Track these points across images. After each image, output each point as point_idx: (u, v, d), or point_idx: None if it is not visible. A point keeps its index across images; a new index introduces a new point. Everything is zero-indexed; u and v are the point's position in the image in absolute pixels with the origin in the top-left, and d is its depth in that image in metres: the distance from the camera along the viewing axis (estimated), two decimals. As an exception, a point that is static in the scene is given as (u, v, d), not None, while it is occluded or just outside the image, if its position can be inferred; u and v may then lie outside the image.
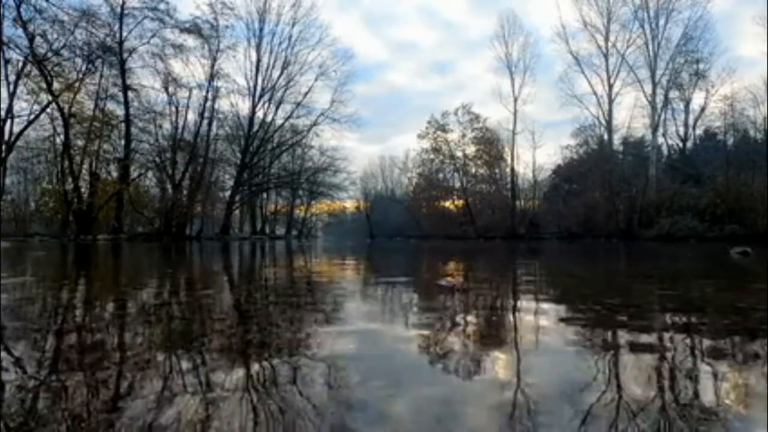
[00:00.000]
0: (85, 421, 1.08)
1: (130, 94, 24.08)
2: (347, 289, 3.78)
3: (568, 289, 4.00)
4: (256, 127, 32.86)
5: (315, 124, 34.52)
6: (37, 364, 1.53)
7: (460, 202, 38.92)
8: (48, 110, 21.66)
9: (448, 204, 40.79)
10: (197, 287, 3.91)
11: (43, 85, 20.72)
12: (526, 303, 3.06)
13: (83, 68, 22.13)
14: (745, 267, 6.34)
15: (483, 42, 66.14)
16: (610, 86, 32.58)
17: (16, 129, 21.48)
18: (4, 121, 20.47)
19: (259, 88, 32.58)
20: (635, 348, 1.79)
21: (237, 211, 37.44)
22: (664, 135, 32.51)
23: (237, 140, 33.27)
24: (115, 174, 25.28)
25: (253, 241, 26.70)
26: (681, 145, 32.97)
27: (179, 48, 25.04)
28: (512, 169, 35.90)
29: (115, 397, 1.24)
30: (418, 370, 1.54)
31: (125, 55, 23.59)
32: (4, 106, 20.28)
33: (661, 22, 30.70)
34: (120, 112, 24.49)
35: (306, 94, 33.63)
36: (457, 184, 39.11)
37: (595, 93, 33.15)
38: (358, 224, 55.01)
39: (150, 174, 28.21)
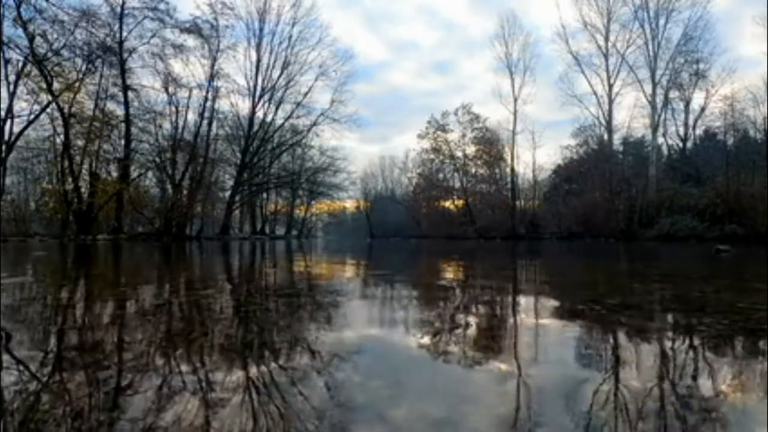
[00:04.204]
0: (85, 422, 1.08)
1: (130, 94, 24.10)
2: (348, 289, 3.78)
3: (568, 289, 4.00)
4: (256, 127, 32.89)
5: (315, 124, 34.63)
6: (38, 365, 1.53)
7: (460, 202, 38.96)
8: (48, 110, 21.66)
9: (448, 204, 40.86)
10: (197, 287, 3.91)
11: (43, 85, 20.71)
12: (526, 303, 3.06)
13: (83, 68, 22.13)
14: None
15: (483, 42, 66.30)
16: (610, 86, 32.66)
17: (16, 129, 21.51)
18: (4, 121, 20.47)
19: (259, 88, 32.66)
20: (635, 347, 1.79)
21: (237, 211, 37.46)
22: (664, 135, 32.58)
23: (237, 140, 33.30)
24: (115, 174, 25.27)
25: (253, 241, 26.70)
26: (681, 145, 33.01)
27: (179, 48, 25.06)
28: (512, 169, 35.98)
29: (115, 398, 1.24)
30: (418, 370, 1.54)
31: (125, 55, 23.59)
32: (4, 106, 20.30)
33: (661, 22, 30.78)
34: (120, 112, 24.51)
35: (306, 94, 33.74)
36: (457, 184, 39.20)
37: (595, 93, 33.24)
38: (359, 224, 55.09)
39: (150, 174, 28.25)
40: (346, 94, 34.51)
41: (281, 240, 31.13)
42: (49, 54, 20.53)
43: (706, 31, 30.01)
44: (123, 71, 23.55)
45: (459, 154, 38.43)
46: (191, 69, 33.67)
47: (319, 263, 7.34)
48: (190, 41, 25.57)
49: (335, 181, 39.37)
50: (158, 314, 2.49)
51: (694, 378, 1.43)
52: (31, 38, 19.81)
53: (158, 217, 26.14)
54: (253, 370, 1.49)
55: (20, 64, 20.37)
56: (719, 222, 23.05)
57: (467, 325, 2.25)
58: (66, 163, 22.24)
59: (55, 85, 21.04)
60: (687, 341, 1.92)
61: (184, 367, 1.51)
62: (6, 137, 20.82)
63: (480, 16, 65.52)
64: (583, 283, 4.69)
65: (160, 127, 26.18)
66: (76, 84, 21.73)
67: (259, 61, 32.40)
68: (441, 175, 40.14)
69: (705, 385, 1.37)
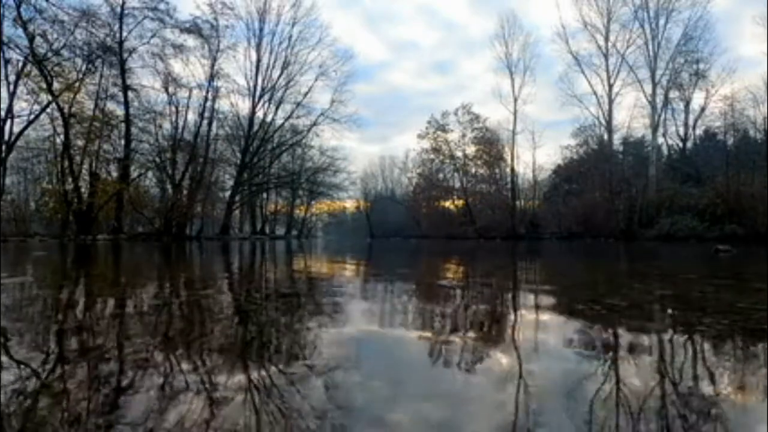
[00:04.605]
0: (84, 422, 1.08)
1: (130, 94, 24.09)
2: (347, 289, 3.78)
3: (569, 289, 3.99)
4: (256, 127, 32.89)
5: (315, 124, 34.64)
6: (37, 365, 1.53)
7: (460, 202, 38.96)
8: (48, 110, 21.65)
9: (448, 204, 40.86)
10: (197, 287, 3.91)
11: (43, 85, 20.70)
12: (526, 303, 3.06)
13: (83, 68, 22.12)
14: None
15: (483, 42, 66.35)
16: (610, 86, 32.67)
17: (16, 129, 21.50)
18: (4, 121, 20.46)
19: (259, 88, 32.66)
20: (636, 348, 1.79)
21: (237, 211, 37.46)
22: (664, 135, 32.59)
23: (237, 140, 33.30)
24: (115, 174, 25.27)
25: (253, 241, 26.69)
26: (681, 145, 33.02)
27: (179, 48, 25.05)
28: (512, 169, 35.98)
29: (114, 398, 1.24)
30: (418, 371, 1.54)
31: (125, 55, 23.58)
32: (4, 106, 20.29)
33: (661, 22, 30.80)
34: (120, 112, 24.51)
35: (306, 94, 33.75)
36: (457, 184, 39.20)
37: (595, 93, 33.25)
38: (359, 224, 55.10)
39: (150, 174, 28.24)
40: (346, 94, 34.58)
41: (281, 240, 31.12)
42: (49, 54, 20.53)
43: (706, 31, 30.08)
44: (123, 71, 23.54)
45: (459, 154, 38.47)
46: (191, 69, 33.73)
47: (318, 264, 7.34)
48: (190, 41, 25.61)
49: (335, 181, 39.43)
50: (158, 314, 2.49)
51: (695, 378, 1.43)
52: (31, 38, 19.81)
53: (158, 217, 26.14)
54: (252, 371, 1.49)
55: (20, 64, 20.39)
56: (719, 222, 23.05)
57: (467, 325, 2.25)
58: (66, 163, 22.23)
59: (55, 85, 21.04)
60: (687, 341, 1.92)
61: (183, 368, 1.51)
62: (6, 137, 20.82)
63: (480, 16, 65.57)
64: (583, 283, 4.69)
65: (160, 127, 26.21)
66: (76, 84, 21.72)
67: (259, 61, 32.44)
68: (441, 175, 40.14)
69: (705, 385, 1.37)
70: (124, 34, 23.49)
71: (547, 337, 2.03)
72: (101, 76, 23.17)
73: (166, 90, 25.81)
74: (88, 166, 23.78)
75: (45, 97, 21.09)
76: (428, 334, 2.06)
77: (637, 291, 3.66)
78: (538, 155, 58.73)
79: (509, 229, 32.48)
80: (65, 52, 21.07)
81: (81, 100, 22.83)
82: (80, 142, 23.00)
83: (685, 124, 32.53)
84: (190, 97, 27.00)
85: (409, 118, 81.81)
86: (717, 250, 9.68)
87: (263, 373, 1.47)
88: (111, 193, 23.50)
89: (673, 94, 31.53)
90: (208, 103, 28.14)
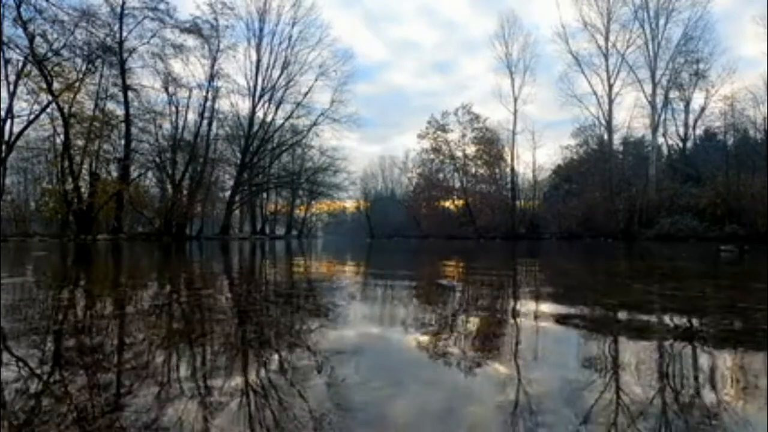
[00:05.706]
0: (85, 421, 1.08)
1: (130, 94, 24.10)
2: (348, 289, 3.78)
3: (569, 289, 3.99)
4: (256, 127, 32.87)
5: (315, 124, 34.61)
6: (37, 364, 1.53)
7: (460, 202, 38.94)
8: (48, 110, 21.68)
9: (448, 204, 40.83)
10: (197, 287, 3.91)
11: (43, 85, 20.71)
12: (525, 303, 3.06)
13: (83, 68, 22.14)
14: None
15: (483, 42, 66.32)
16: (610, 86, 32.63)
17: (16, 129, 21.53)
18: (4, 121, 20.48)
19: (259, 88, 32.64)
20: (635, 348, 1.79)
21: (237, 211, 37.45)
22: (664, 135, 32.56)
23: (237, 140, 33.29)
24: (115, 174, 25.28)
25: (253, 241, 26.69)
26: (681, 145, 33.00)
27: (179, 48, 25.07)
28: (512, 169, 35.96)
29: (115, 398, 1.24)
30: (418, 370, 1.54)
31: (125, 55, 23.59)
32: (4, 106, 20.31)
33: (661, 22, 30.77)
34: (120, 112, 24.52)
35: (306, 94, 33.72)
36: (457, 184, 39.17)
37: (595, 93, 33.22)
38: (358, 224, 55.05)
39: (150, 174, 28.26)
40: (346, 94, 34.53)
41: (281, 240, 31.12)
42: (49, 54, 20.53)
43: (706, 31, 30.02)
44: (123, 71, 23.55)
45: (459, 154, 38.43)
46: (191, 69, 33.84)
47: (318, 264, 7.34)
48: (190, 41, 25.63)
49: (335, 181, 39.36)
50: (158, 314, 2.49)
51: (695, 378, 1.43)
52: (31, 38, 19.82)
53: (158, 217, 26.15)
54: (253, 370, 1.49)
55: (20, 64, 20.42)
56: (719, 222, 23.06)
57: (466, 324, 2.25)
58: (66, 163, 22.24)
59: (55, 85, 21.05)
60: (687, 341, 1.92)
61: (183, 367, 1.51)
62: (6, 137, 20.83)
63: (480, 16, 65.39)
64: (584, 283, 4.68)
65: (160, 127, 26.23)
66: (76, 84, 21.73)
67: (259, 61, 32.42)
68: (441, 175, 40.11)
69: (705, 384, 1.37)
70: (124, 34, 23.53)
71: (548, 336, 2.03)
72: (101, 76, 23.23)
73: (166, 90, 25.87)
74: (88, 166, 23.82)
75: (45, 97, 21.13)
76: (425, 332, 2.06)
77: (638, 291, 3.66)
78: (538, 155, 58.84)
79: (509, 229, 32.49)
80: (65, 52, 21.12)
81: (81, 100, 22.88)
82: (80, 142, 23.02)
83: (685, 124, 32.54)
84: (190, 97, 27.07)
85: (409, 118, 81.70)
86: (719, 250, 9.66)
87: (262, 370, 1.47)
88: (111, 193, 23.50)
89: (673, 94, 31.53)
90: (208, 103, 28.21)
